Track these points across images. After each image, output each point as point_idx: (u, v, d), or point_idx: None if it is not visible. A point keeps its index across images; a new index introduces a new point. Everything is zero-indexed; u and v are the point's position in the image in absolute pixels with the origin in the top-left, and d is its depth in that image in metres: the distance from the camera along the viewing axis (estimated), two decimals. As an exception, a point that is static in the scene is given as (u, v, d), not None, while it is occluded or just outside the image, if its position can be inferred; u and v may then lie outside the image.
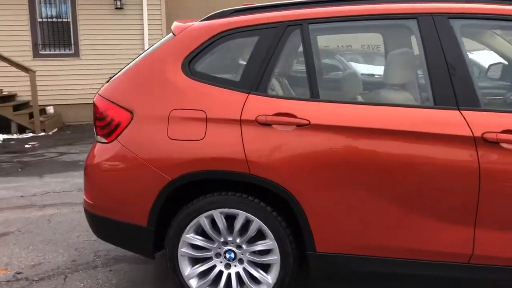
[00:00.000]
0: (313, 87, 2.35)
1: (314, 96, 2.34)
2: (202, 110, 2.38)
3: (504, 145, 2.11)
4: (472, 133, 2.14)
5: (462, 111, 2.18)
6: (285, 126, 2.29)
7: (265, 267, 2.47)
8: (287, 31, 2.41)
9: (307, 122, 2.26)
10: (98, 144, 2.62)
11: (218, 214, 2.41)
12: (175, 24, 2.72)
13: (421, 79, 2.28)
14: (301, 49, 2.41)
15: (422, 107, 2.29)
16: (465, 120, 2.16)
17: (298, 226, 2.39)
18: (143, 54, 2.69)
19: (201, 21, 2.58)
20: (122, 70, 2.70)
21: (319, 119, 2.26)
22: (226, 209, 2.40)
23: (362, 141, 2.23)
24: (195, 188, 2.47)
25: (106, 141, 2.54)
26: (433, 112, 2.22)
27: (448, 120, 2.18)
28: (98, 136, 2.60)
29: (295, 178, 2.28)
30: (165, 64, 2.51)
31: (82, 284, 2.96)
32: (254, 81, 2.39)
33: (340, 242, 2.32)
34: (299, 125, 2.27)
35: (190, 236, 2.47)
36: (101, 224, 2.66)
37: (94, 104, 2.63)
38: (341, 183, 2.25)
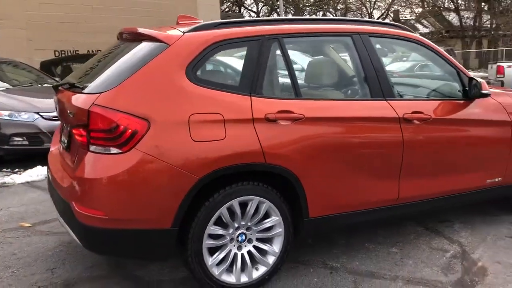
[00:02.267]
0: (296, 88, 2.95)
1: (298, 95, 2.95)
2: (219, 113, 2.66)
3: (415, 121, 3.22)
4: (398, 114, 3.17)
5: (388, 101, 3.19)
6: (287, 121, 2.82)
7: (269, 241, 2.94)
8: (268, 43, 2.92)
9: (302, 116, 2.86)
10: (104, 156, 2.52)
11: (236, 203, 2.75)
12: (156, 32, 2.82)
13: (363, 79, 3.18)
14: (281, 57, 2.97)
15: (367, 100, 3.19)
16: (392, 107, 3.18)
17: (292, 201, 2.96)
18: (132, 62, 2.69)
19: (189, 31, 2.79)
20: (108, 78, 2.65)
21: (310, 113, 2.89)
22: (243, 197, 2.76)
23: (340, 127, 2.99)
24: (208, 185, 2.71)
25: (120, 151, 2.49)
26: (374, 103, 3.16)
27: (383, 107, 3.15)
28: (105, 148, 2.51)
29: (298, 162, 2.84)
30: (171, 73, 2.64)
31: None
32: (252, 86, 2.82)
33: (327, 206, 3.02)
34: (296, 119, 2.85)
35: (213, 228, 2.71)
36: (113, 237, 2.57)
37: (95, 115, 2.50)
38: (329, 161, 2.95)
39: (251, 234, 2.88)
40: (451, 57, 3.61)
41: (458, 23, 35.89)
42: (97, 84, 2.69)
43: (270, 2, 37.65)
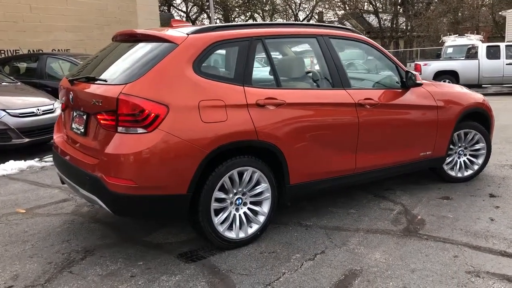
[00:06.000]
0: (278, 80, 3.66)
1: (279, 85, 3.66)
2: (221, 100, 3.30)
3: (367, 106, 4.05)
4: (354, 101, 3.98)
5: (346, 90, 3.99)
6: (273, 106, 3.52)
7: (260, 204, 3.62)
8: (254, 43, 3.60)
9: (284, 102, 3.57)
10: (131, 135, 3.05)
11: (235, 173, 3.40)
12: (165, 34, 3.39)
13: (328, 73, 3.95)
14: (264, 54, 3.66)
15: (331, 89, 3.96)
16: (349, 95, 3.98)
17: (277, 171, 3.66)
18: (148, 58, 3.25)
19: (192, 33, 3.39)
20: (130, 71, 3.19)
21: (290, 100, 3.60)
22: (241, 168, 3.42)
23: (312, 110, 3.73)
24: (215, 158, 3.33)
25: (146, 131, 3.05)
26: (336, 91, 3.94)
27: (343, 95, 3.94)
28: (132, 128, 3.05)
29: (282, 139, 3.55)
30: (181, 67, 3.23)
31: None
32: (244, 77, 3.48)
33: (303, 175, 3.75)
34: (279, 105, 3.55)
35: (218, 193, 3.35)
36: (140, 202, 3.12)
37: (123, 102, 3.03)
38: (304, 138, 3.68)
39: (246, 198, 3.55)
40: (391, 55, 4.48)
41: (378, 25, 38.43)
42: (120, 76, 3.22)
43: (200, 3, 38.09)
